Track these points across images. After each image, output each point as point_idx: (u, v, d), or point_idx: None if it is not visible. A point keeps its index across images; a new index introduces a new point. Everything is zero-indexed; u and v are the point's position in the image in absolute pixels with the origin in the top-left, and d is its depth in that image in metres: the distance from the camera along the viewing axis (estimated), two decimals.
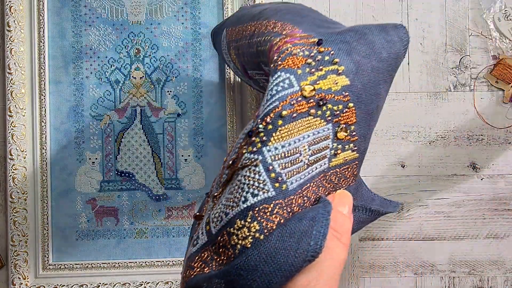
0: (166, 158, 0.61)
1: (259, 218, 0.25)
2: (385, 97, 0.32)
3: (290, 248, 0.23)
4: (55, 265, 0.60)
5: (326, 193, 0.29)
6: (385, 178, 0.62)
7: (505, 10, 0.61)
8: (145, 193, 0.61)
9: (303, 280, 0.23)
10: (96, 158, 0.60)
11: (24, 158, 0.59)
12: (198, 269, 0.26)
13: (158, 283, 0.59)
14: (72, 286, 0.59)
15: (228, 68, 0.60)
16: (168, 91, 0.60)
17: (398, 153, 0.62)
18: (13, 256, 0.59)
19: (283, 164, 0.26)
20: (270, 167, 0.26)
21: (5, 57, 0.58)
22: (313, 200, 0.28)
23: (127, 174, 0.60)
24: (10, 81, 0.58)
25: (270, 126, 0.27)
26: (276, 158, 0.26)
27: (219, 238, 0.26)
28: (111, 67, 0.60)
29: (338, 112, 0.29)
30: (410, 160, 0.62)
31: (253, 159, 0.26)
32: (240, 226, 0.25)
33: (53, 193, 0.60)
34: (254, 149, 0.27)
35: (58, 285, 0.59)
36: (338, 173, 0.30)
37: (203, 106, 0.60)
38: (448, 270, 0.62)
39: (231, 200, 0.26)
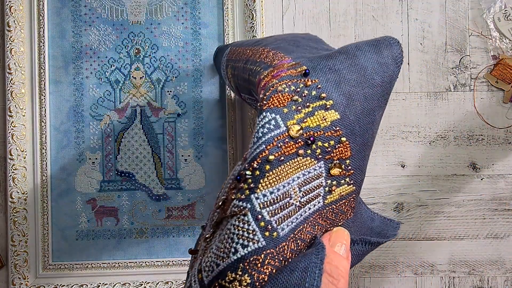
0: (166, 158, 0.61)
1: (250, 271, 0.24)
2: (379, 122, 0.31)
3: None
4: (55, 265, 0.60)
5: (323, 231, 0.28)
6: (385, 178, 0.62)
7: (505, 10, 0.61)
8: (145, 193, 0.61)
9: None
10: (96, 158, 0.60)
11: (24, 158, 0.59)
12: None
13: (158, 283, 0.59)
14: (72, 286, 0.59)
15: None
16: (168, 91, 0.60)
17: (398, 153, 0.62)
18: (13, 256, 0.59)
19: (273, 211, 0.25)
20: (259, 216, 0.25)
21: (5, 57, 0.58)
22: (308, 241, 0.27)
23: (127, 174, 0.60)
24: (10, 81, 0.58)
25: (257, 172, 0.26)
26: (265, 205, 0.25)
27: None
28: (111, 67, 0.60)
29: (329, 149, 0.27)
30: (410, 160, 0.62)
31: (241, 207, 0.26)
32: (232, 279, 0.24)
33: (53, 193, 0.60)
34: (243, 196, 0.26)
35: (58, 285, 0.59)
36: (335, 209, 0.29)
37: (203, 106, 0.60)
38: (448, 270, 0.62)
39: (222, 250, 0.25)
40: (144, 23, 0.60)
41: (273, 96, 0.29)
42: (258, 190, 0.26)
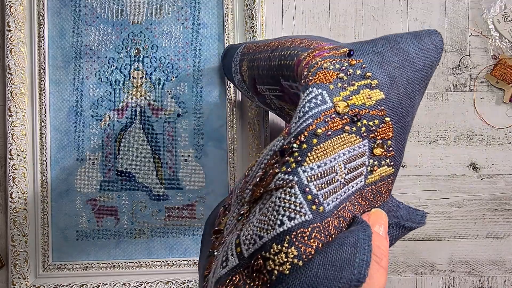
0: (166, 158, 0.61)
1: (296, 243, 0.24)
2: (417, 108, 0.31)
3: (332, 277, 0.22)
4: (55, 265, 0.60)
5: (361, 211, 0.28)
6: None
7: (505, 12, 0.61)
8: (145, 193, 0.61)
9: None
10: (96, 158, 0.60)
11: (24, 158, 0.59)
12: None
13: (158, 283, 0.59)
14: (72, 286, 0.59)
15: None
16: (168, 91, 0.60)
17: None
18: (13, 256, 0.59)
19: (320, 185, 0.25)
20: (307, 189, 0.25)
21: (5, 57, 0.58)
22: (349, 219, 0.26)
23: (127, 174, 0.60)
24: (10, 81, 0.58)
25: (304, 145, 0.26)
26: (312, 179, 0.25)
27: (253, 262, 0.25)
28: (111, 67, 0.60)
29: (374, 128, 0.27)
30: (410, 160, 0.62)
31: (288, 180, 0.25)
32: (277, 251, 0.24)
33: (53, 193, 0.60)
34: (289, 169, 0.25)
35: (58, 285, 0.59)
36: (374, 190, 0.29)
37: (203, 106, 0.60)
38: (448, 270, 0.62)
39: (265, 222, 0.25)
40: (144, 23, 0.60)
41: (318, 72, 0.28)
42: (306, 163, 0.25)
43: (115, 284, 0.60)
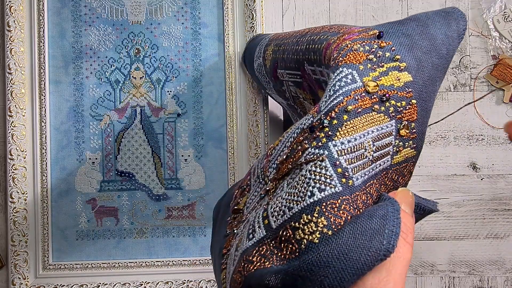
0: (166, 158, 0.61)
1: (326, 214, 0.24)
2: (436, 94, 0.32)
3: (363, 246, 0.23)
4: (55, 265, 0.60)
5: (387, 191, 0.29)
6: None
7: (505, 12, 0.61)
8: (145, 193, 0.61)
9: (373, 279, 0.23)
10: (96, 158, 0.60)
11: (24, 158, 0.59)
12: (258, 264, 0.25)
13: (158, 283, 0.59)
14: (72, 286, 0.59)
15: (228, 69, 0.60)
16: (168, 91, 0.60)
17: None
18: (13, 256, 0.59)
19: (350, 160, 0.26)
20: (337, 162, 0.26)
21: (5, 57, 0.58)
22: (375, 197, 0.27)
23: (127, 174, 0.60)
24: (10, 81, 0.58)
25: (335, 121, 0.26)
26: (343, 153, 0.26)
27: (281, 232, 0.25)
28: (111, 67, 0.60)
29: (401, 109, 0.28)
30: None
31: (318, 154, 0.26)
32: (307, 220, 0.24)
33: (53, 193, 0.60)
34: (319, 144, 0.26)
35: (58, 285, 0.59)
36: (398, 170, 0.29)
37: (203, 106, 0.60)
38: (448, 270, 0.62)
39: (295, 194, 0.26)
40: (144, 23, 0.60)
41: (349, 53, 0.29)
42: (336, 137, 0.26)
43: (115, 284, 0.60)
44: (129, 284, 0.59)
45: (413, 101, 0.28)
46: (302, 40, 0.40)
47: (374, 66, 0.29)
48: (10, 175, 0.58)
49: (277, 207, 0.26)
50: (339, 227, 0.24)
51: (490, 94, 0.62)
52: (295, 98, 0.46)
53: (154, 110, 0.60)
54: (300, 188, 0.26)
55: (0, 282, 0.60)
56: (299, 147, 0.28)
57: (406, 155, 0.29)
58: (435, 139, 0.62)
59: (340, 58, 0.29)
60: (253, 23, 0.58)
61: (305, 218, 0.25)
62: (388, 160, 0.28)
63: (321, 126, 0.27)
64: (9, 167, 0.58)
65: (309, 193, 0.25)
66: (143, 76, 0.60)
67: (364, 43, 0.30)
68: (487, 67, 0.62)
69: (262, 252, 0.26)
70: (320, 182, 0.25)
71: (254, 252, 0.26)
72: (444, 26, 0.32)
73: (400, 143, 0.28)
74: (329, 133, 0.26)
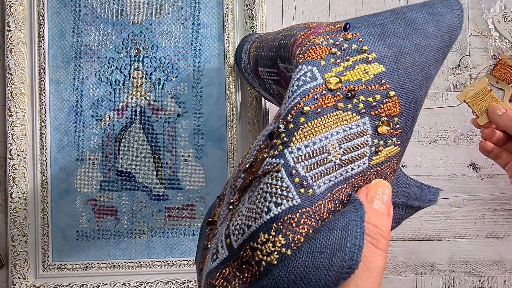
0: (166, 158, 0.61)
1: (284, 231, 0.22)
2: (433, 78, 0.28)
3: (322, 266, 0.21)
4: (55, 265, 0.60)
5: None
6: None
7: (505, 12, 0.61)
8: (145, 193, 0.61)
9: None
10: (96, 158, 0.60)
11: (24, 158, 0.59)
12: None
13: (158, 283, 0.59)
14: (72, 286, 0.59)
15: (228, 69, 0.60)
16: (168, 91, 0.60)
17: None
18: (13, 256, 0.59)
19: (308, 166, 0.23)
20: (293, 171, 0.23)
21: (5, 57, 0.58)
22: (346, 203, 0.24)
23: (127, 174, 0.60)
24: (10, 81, 0.58)
25: (291, 125, 0.24)
26: (300, 160, 0.23)
27: (242, 253, 0.23)
28: (111, 67, 0.60)
29: (375, 104, 0.25)
30: (410, 160, 0.62)
31: (274, 164, 0.24)
32: (264, 240, 0.22)
33: (53, 193, 0.60)
34: (276, 152, 0.24)
35: (58, 285, 0.59)
36: (379, 171, 0.26)
37: (203, 106, 0.60)
38: (448, 270, 0.62)
39: (253, 210, 0.24)
40: (144, 23, 0.60)
41: (309, 49, 0.27)
42: (292, 143, 0.24)
43: (115, 284, 0.60)
44: (129, 284, 0.59)
45: (390, 93, 0.25)
46: (277, 37, 0.38)
47: (338, 60, 0.26)
48: (10, 175, 0.58)
49: (238, 225, 0.24)
50: (299, 244, 0.22)
51: None
52: (279, 95, 0.44)
53: (154, 110, 0.60)
54: (257, 203, 0.24)
55: (0, 282, 0.60)
56: (260, 157, 0.25)
57: (388, 154, 0.26)
58: (435, 139, 0.62)
59: (301, 55, 0.27)
60: (253, 23, 0.58)
61: (262, 237, 0.22)
62: (364, 163, 0.25)
63: (278, 133, 0.24)
64: (9, 167, 0.58)
65: (266, 209, 0.23)
66: (143, 76, 0.60)
67: (328, 37, 0.27)
68: (487, 67, 0.62)
69: (225, 275, 0.24)
70: (277, 195, 0.23)
71: (217, 274, 0.24)
72: (424, 7, 0.28)
73: (379, 142, 0.25)
74: (285, 139, 0.24)
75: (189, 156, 0.61)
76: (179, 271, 0.60)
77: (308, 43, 0.28)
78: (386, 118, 0.25)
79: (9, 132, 0.58)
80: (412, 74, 0.26)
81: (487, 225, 0.62)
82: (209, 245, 0.29)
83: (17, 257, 0.59)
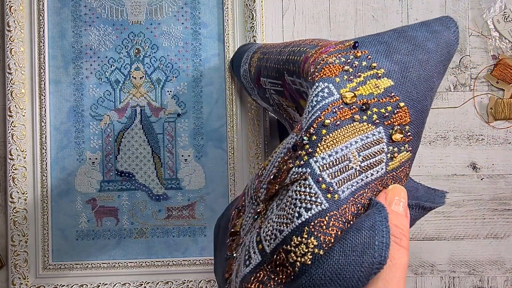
0: (166, 158, 0.61)
1: (315, 233, 0.24)
2: (437, 89, 0.31)
3: (354, 263, 0.23)
4: (55, 265, 0.60)
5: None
6: None
7: (505, 11, 0.61)
8: (145, 193, 0.61)
9: None
10: (96, 158, 0.60)
11: (24, 158, 0.59)
12: None
13: (158, 283, 0.59)
14: (72, 286, 0.59)
15: (228, 69, 0.60)
16: (168, 91, 0.60)
17: None
18: (13, 256, 0.59)
19: (333, 174, 0.26)
20: (320, 178, 0.26)
21: (5, 57, 0.58)
22: (367, 206, 0.27)
23: (127, 174, 0.60)
24: (10, 81, 0.58)
25: (314, 137, 0.27)
26: (325, 168, 0.26)
27: (275, 256, 0.25)
28: (111, 67, 0.60)
29: (387, 114, 0.28)
30: None
31: (301, 173, 0.26)
32: (297, 242, 0.24)
33: (53, 193, 0.60)
34: (301, 162, 0.26)
35: (58, 285, 0.59)
36: (395, 176, 0.29)
37: (203, 106, 0.60)
38: (448, 270, 0.62)
39: (284, 217, 0.26)
40: (144, 23, 0.60)
41: (324, 67, 0.29)
42: (316, 153, 0.26)
43: (115, 284, 0.60)
44: (129, 284, 0.59)
45: (401, 104, 0.28)
46: (284, 51, 0.40)
47: (351, 77, 0.28)
48: (10, 175, 0.58)
49: (269, 231, 0.26)
50: (330, 245, 0.24)
51: (490, 94, 0.62)
52: (279, 105, 0.46)
53: (154, 110, 0.60)
54: (288, 209, 0.26)
55: (0, 282, 0.60)
56: (285, 167, 0.28)
57: (402, 159, 0.29)
58: (435, 139, 0.62)
59: (316, 73, 0.29)
60: (253, 23, 0.58)
61: (295, 240, 0.25)
62: (382, 168, 0.28)
63: (302, 144, 0.27)
64: (9, 167, 0.58)
65: (296, 214, 0.25)
66: (143, 76, 0.60)
67: (340, 55, 0.30)
68: (487, 67, 0.62)
69: (260, 278, 0.26)
70: (306, 201, 0.25)
71: (252, 279, 0.26)
72: (423, 26, 0.32)
73: (394, 149, 0.28)
74: (310, 150, 0.26)
75: (189, 156, 0.61)
76: (179, 271, 0.60)
77: (321, 62, 0.30)
78: (398, 127, 0.28)
79: (9, 132, 0.58)
80: (418, 86, 0.29)
81: (487, 225, 0.62)
82: (234, 254, 0.31)
83: (17, 257, 0.59)
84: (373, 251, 0.23)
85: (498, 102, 0.61)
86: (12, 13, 0.58)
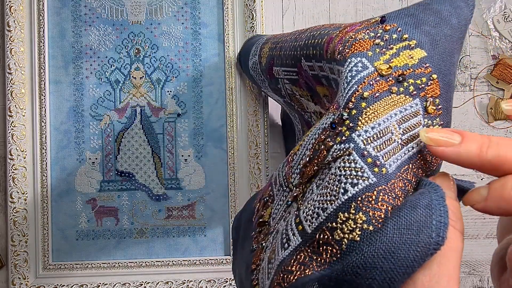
0: (166, 158, 0.61)
1: (364, 208, 0.23)
2: (457, 67, 0.31)
3: (410, 242, 0.21)
4: (55, 265, 0.60)
5: (425, 174, 0.27)
6: None
7: (505, 12, 0.61)
8: (145, 193, 0.61)
9: (424, 277, 0.21)
10: (96, 158, 0.60)
11: (24, 158, 0.59)
12: (298, 272, 0.24)
13: (158, 283, 0.59)
14: (72, 286, 0.59)
15: (228, 69, 0.60)
16: (168, 91, 0.60)
17: None
18: (13, 256, 0.59)
19: (378, 146, 0.24)
20: (365, 152, 0.24)
21: (5, 57, 0.58)
22: (414, 183, 0.25)
23: (127, 174, 0.60)
24: (10, 81, 0.58)
25: (354, 111, 0.25)
26: (369, 141, 0.24)
27: (318, 235, 0.24)
28: (111, 67, 0.60)
29: (422, 86, 0.27)
30: None
31: (344, 149, 0.25)
32: (344, 219, 0.23)
33: (53, 193, 0.60)
34: (343, 138, 0.25)
35: (58, 285, 0.59)
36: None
37: (203, 106, 0.60)
38: None
39: (327, 194, 0.24)
40: (144, 23, 0.60)
41: (354, 43, 0.28)
42: (359, 127, 0.25)
43: (115, 284, 0.60)
44: (129, 284, 0.59)
45: (433, 76, 0.27)
46: (301, 37, 0.39)
47: (383, 49, 0.28)
48: (10, 175, 0.58)
49: (310, 211, 0.25)
50: (380, 220, 0.23)
51: (490, 94, 0.62)
52: (291, 95, 0.45)
53: (154, 110, 0.60)
54: (332, 187, 0.24)
55: (0, 282, 0.60)
56: (322, 147, 0.26)
57: None
58: None
59: (347, 50, 0.29)
60: (253, 23, 0.58)
61: (341, 217, 0.23)
62: (421, 141, 0.27)
63: (341, 120, 0.26)
64: (9, 167, 0.58)
65: (342, 190, 0.24)
66: (143, 76, 0.60)
67: (368, 31, 0.29)
68: (487, 67, 0.62)
69: (301, 260, 0.24)
70: (352, 176, 0.24)
71: (292, 261, 0.25)
72: (446, 0, 0.31)
73: (429, 122, 0.27)
74: (350, 124, 0.25)
75: (189, 156, 0.61)
76: (179, 271, 0.60)
77: (350, 39, 0.29)
78: (432, 99, 0.27)
79: (9, 132, 0.58)
80: (445, 60, 0.28)
81: (487, 225, 0.62)
82: (263, 244, 0.30)
83: (17, 257, 0.59)
84: (430, 231, 0.21)
85: (498, 102, 0.61)
86: (12, 13, 0.58)
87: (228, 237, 0.61)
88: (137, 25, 0.60)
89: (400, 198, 0.24)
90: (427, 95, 0.27)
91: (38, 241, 0.59)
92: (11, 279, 0.59)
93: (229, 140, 0.60)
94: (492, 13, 0.61)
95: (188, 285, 0.59)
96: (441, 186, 0.24)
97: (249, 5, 0.58)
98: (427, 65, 0.27)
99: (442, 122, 0.28)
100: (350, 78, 0.27)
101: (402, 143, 0.25)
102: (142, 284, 0.59)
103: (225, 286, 0.59)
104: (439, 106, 0.27)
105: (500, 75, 0.61)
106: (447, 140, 0.24)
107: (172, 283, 0.59)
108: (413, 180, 0.25)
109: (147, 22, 0.60)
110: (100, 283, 0.59)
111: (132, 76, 0.60)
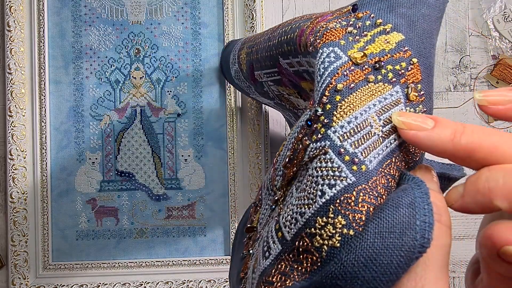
0: (166, 158, 0.61)
1: (343, 211, 0.21)
2: (435, 49, 0.29)
3: (393, 246, 0.19)
4: (55, 265, 0.60)
5: (407, 167, 0.25)
6: None
7: (505, 12, 0.61)
8: (145, 193, 0.61)
9: (409, 282, 0.20)
10: (96, 158, 0.60)
11: (24, 158, 0.59)
12: (279, 284, 0.23)
13: (158, 283, 0.59)
14: (72, 286, 0.59)
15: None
16: (168, 91, 0.60)
17: None
18: (13, 256, 0.59)
19: (356, 142, 0.22)
20: (342, 150, 0.22)
21: (5, 57, 0.58)
22: (398, 177, 0.24)
23: (127, 174, 0.60)
24: (10, 81, 0.58)
25: (328, 106, 0.23)
26: (346, 137, 0.23)
27: (297, 243, 0.22)
28: (111, 67, 0.60)
29: (402, 71, 0.25)
30: None
31: (320, 147, 0.23)
32: (323, 224, 0.21)
33: (53, 193, 0.60)
34: (319, 136, 0.23)
35: (58, 285, 0.59)
36: None
37: (203, 106, 0.60)
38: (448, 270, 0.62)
39: (305, 197, 0.23)
40: (144, 23, 0.60)
41: (325, 33, 0.27)
42: (334, 123, 0.23)
43: (115, 284, 0.60)
44: (129, 284, 0.59)
45: (413, 59, 0.25)
46: (274, 35, 0.38)
47: (357, 37, 0.26)
48: (10, 175, 0.58)
49: (289, 216, 0.23)
50: (361, 223, 0.21)
51: None
52: (280, 96, 0.44)
53: (154, 110, 0.60)
54: (309, 189, 0.23)
55: (0, 282, 0.60)
56: (300, 146, 0.25)
57: None
58: None
59: (318, 40, 0.27)
60: (253, 23, 0.58)
61: (320, 222, 0.21)
62: None
63: (316, 116, 0.24)
64: (9, 167, 0.58)
65: (319, 193, 0.22)
66: (143, 76, 0.60)
67: (340, 20, 0.27)
68: (487, 67, 0.62)
69: (282, 269, 0.23)
70: (329, 177, 0.22)
71: (273, 271, 0.23)
72: None
73: (411, 110, 0.25)
74: (325, 120, 0.23)
75: (189, 156, 0.61)
76: (179, 271, 0.60)
77: (321, 29, 0.28)
78: (413, 85, 0.25)
79: (9, 132, 0.58)
80: (424, 41, 0.26)
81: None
82: (250, 251, 0.28)
83: (17, 257, 0.59)
84: (415, 232, 0.20)
85: None
86: (12, 13, 0.58)
87: (228, 237, 0.61)
88: (137, 25, 0.60)
89: (383, 196, 0.22)
90: (408, 81, 0.25)
91: (38, 241, 0.59)
92: (11, 279, 0.59)
93: (229, 140, 0.60)
94: (492, 13, 0.61)
95: (188, 285, 0.59)
96: (423, 179, 0.23)
97: (249, 5, 0.58)
98: (406, 48, 0.25)
99: (425, 109, 0.26)
100: (323, 70, 0.25)
101: (383, 135, 0.23)
102: (142, 284, 0.59)
103: (225, 286, 0.59)
104: (421, 92, 0.26)
105: (500, 75, 0.61)
106: (420, 124, 0.22)
107: (172, 283, 0.59)
108: (397, 174, 0.24)
109: (147, 22, 0.60)
110: (100, 283, 0.59)
111: (132, 76, 0.60)
